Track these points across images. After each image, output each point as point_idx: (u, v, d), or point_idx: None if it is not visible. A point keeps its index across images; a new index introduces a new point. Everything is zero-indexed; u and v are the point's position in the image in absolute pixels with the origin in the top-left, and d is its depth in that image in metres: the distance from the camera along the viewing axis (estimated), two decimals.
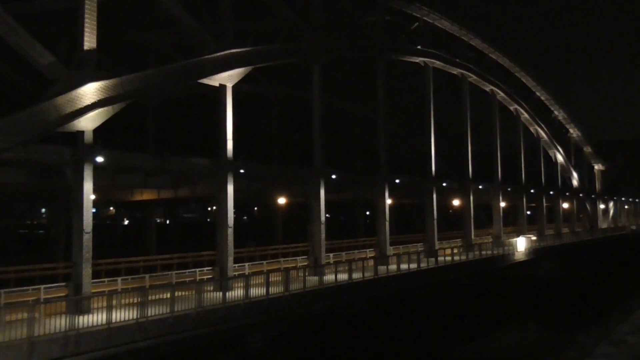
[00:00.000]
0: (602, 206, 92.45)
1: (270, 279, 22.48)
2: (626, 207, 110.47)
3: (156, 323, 17.83)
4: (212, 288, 22.73)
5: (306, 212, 33.70)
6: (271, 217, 53.59)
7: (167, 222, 68.17)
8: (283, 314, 22.33)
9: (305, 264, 31.68)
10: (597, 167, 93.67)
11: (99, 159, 20.95)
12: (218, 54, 27.03)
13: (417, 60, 44.44)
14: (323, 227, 32.10)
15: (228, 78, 27.41)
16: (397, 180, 39.91)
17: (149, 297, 18.46)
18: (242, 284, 22.27)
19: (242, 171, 28.03)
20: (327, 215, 34.38)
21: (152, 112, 41.13)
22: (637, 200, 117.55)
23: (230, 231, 26.34)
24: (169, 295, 18.87)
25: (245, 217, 73.64)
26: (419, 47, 43.96)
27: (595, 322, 36.93)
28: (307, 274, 25.51)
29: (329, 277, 26.79)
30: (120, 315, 17.10)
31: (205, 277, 26.25)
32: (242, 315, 20.77)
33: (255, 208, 69.03)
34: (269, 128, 48.91)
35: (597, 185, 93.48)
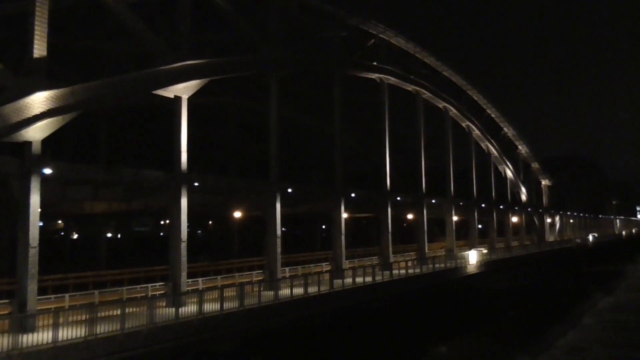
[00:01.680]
0: (549, 220, 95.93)
1: (224, 294, 22.19)
2: (571, 221, 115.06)
3: (105, 341, 17.25)
4: (164, 304, 22.24)
5: (262, 226, 33.47)
6: (227, 231, 52.93)
7: (119, 235, 66.24)
8: (238, 329, 22.02)
9: (261, 278, 31.46)
10: (544, 182, 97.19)
11: (47, 171, 20.25)
12: (174, 65, 26.71)
13: (373, 76, 45.22)
14: (279, 241, 31.96)
15: (184, 89, 27.10)
16: (353, 194, 40.21)
17: (99, 314, 17.90)
18: (195, 300, 21.87)
19: (196, 184, 27.63)
20: (283, 228, 34.28)
21: (105, 123, 40.12)
22: (581, 214, 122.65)
23: (183, 245, 25.87)
24: (119, 312, 18.32)
25: (199, 231, 72.37)
26: (374, 63, 44.76)
27: (537, 335, 38.09)
28: (262, 288, 25.31)
29: (285, 292, 26.64)
30: (67, 334, 16.47)
31: (157, 292, 25.62)
32: (196, 331, 20.38)
33: (210, 221, 67.93)
34: (225, 140, 48.54)
35: (544, 200, 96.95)
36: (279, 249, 31.87)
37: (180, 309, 20.85)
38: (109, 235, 56.59)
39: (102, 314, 18.33)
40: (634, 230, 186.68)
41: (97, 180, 27.35)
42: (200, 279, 29.63)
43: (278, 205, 32.29)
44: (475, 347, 33.98)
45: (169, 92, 26.59)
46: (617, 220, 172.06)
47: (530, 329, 39.54)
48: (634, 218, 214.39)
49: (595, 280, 69.90)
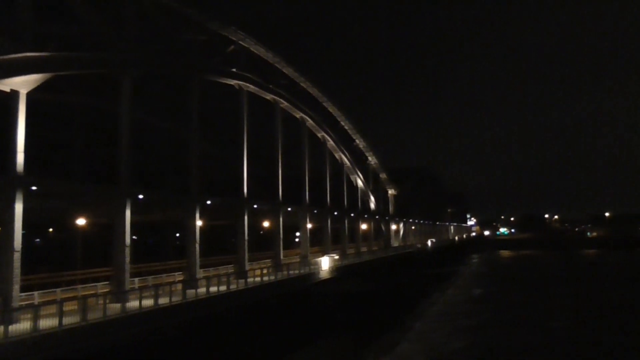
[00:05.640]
0: (394, 227, 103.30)
1: (65, 308, 20.59)
2: (413, 227, 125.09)
3: None
4: None
5: (110, 234, 31.48)
6: (70, 240, 48.75)
7: None
8: (79, 346, 20.44)
9: (107, 290, 29.57)
10: (391, 191, 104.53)
11: None
12: (11, 55, 24.32)
13: (232, 83, 45.09)
14: (128, 250, 30.36)
15: (22, 83, 24.83)
16: (209, 201, 39.58)
17: None
18: (30, 315, 19.91)
19: (34, 188, 25.27)
20: (133, 237, 32.60)
21: None
22: (422, 221, 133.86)
23: (17, 256, 23.54)
24: None
25: (38, 240, 65.80)
26: (233, 69, 44.66)
27: (386, 332, 40.89)
28: (108, 301, 23.84)
29: (134, 304, 25.35)
30: None
31: None
32: (30, 350, 18.54)
33: (51, 229, 62.08)
34: (72, 142, 44.77)
35: (391, 208, 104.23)
36: (127, 259, 30.26)
37: (10, 327, 18.94)
38: None
39: None
40: (464, 236, 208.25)
41: None
42: (36, 293, 27.05)
43: (128, 212, 30.70)
44: (330, 349, 35.32)
45: (5, 85, 24.26)
46: (452, 227, 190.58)
47: (380, 327, 42.29)
48: (464, 224, 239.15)
49: (433, 281, 76.75)
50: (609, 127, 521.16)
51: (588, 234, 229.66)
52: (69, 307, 21.30)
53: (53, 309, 20.94)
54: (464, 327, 43.69)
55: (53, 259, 47.16)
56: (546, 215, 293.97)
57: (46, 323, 19.81)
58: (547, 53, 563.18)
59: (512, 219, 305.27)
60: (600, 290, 68.64)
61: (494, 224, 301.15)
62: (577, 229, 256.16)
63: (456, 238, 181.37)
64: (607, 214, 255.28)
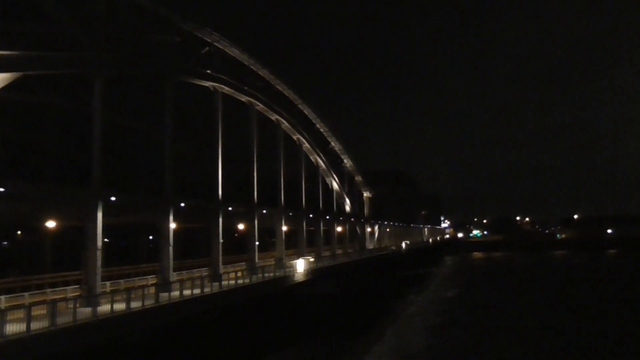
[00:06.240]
0: (369, 229, 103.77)
1: (33, 313, 20.09)
2: (388, 230, 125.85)
3: None
4: None
5: (82, 237, 30.92)
6: (40, 242, 47.69)
7: None
8: (48, 351, 20.02)
9: (78, 294, 29.04)
10: (366, 194, 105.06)
11: None
12: None
13: (206, 84, 44.78)
14: (99, 253, 29.86)
15: None
16: (183, 204, 39.18)
17: None
18: None
19: (2, 190, 24.71)
20: (105, 239, 32.11)
21: None
22: (396, 223, 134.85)
23: None
24: None
25: (5, 242, 64.22)
26: (208, 71, 44.35)
27: (361, 335, 41.08)
28: (78, 305, 23.38)
29: (105, 308, 24.92)
30: None
31: None
32: None
33: (20, 232, 60.64)
34: (43, 143, 43.80)
35: (366, 211, 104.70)
36: (99, 262, 29.76)
37: None
38: None
39: None
40: (438, 238, 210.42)
41: None
42: (3, 297, 26.42)
43: (99, 215, 30.21)
44: (306, 352, 35.32)
45: None
46: (426, 229, 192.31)
47: (355, 329, 42.57)
48: (438, 227, 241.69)
49: (407, 283, 77.51)
50: (577, 132, 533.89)
51: (557, 235, 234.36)
52: (37, 311, 20.81)
53: (21, 313, 20.42)
54: (436, 326, 44.62)
55: (22, 262, 46.12)
56: (518, 218, 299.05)
57: (13, 328, 19.29)
58: (520, 55, 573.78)
59: (484, 221, 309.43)
60: (567, 291, 70.41)
61: (468, 226, 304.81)
62: (547, 231, 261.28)
63: (430, 240, 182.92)
64: (575, 216, 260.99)
